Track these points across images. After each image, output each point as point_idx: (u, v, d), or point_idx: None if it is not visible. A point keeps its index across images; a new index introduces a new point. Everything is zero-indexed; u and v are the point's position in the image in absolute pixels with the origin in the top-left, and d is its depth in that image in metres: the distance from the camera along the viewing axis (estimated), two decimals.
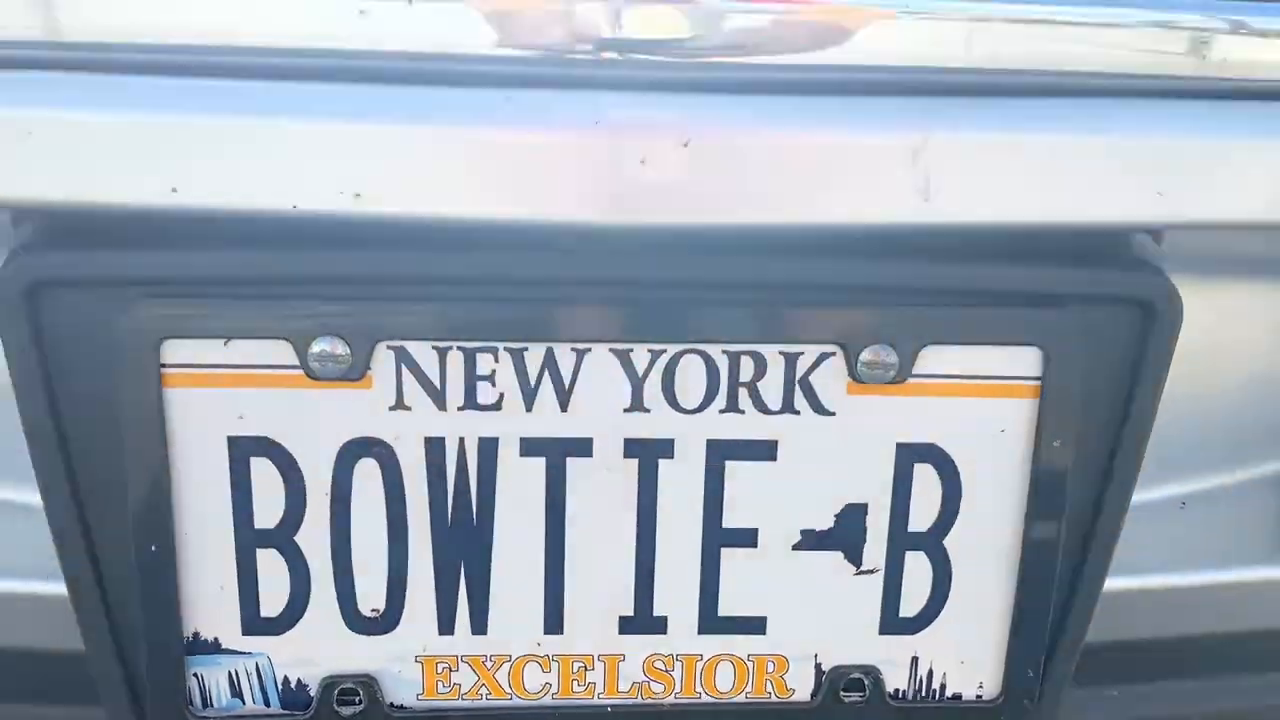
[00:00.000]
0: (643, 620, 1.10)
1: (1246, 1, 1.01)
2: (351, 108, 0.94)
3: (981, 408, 1.06)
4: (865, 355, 1.03)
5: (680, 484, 1.06)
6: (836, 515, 1.08)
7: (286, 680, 1.10)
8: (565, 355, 1.02)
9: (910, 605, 1.11)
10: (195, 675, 1.09)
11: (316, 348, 0.99)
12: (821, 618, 1.12)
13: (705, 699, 1.14)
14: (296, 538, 1.05)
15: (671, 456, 1.05)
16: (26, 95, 0.94)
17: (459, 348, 1.01)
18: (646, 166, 0.95)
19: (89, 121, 0.93)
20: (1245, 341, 1.23)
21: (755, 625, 1.12)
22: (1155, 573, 1.26)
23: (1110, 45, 1.01)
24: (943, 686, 1.15)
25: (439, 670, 1.11)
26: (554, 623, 1.10)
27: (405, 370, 1.01)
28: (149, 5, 0.94)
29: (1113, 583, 1.17)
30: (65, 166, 0.93)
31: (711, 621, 1.11)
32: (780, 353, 1.03)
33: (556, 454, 1.04)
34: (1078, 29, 1.01)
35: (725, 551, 1.08)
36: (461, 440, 1.03)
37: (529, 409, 1.03)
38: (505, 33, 0.95)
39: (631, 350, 1.02)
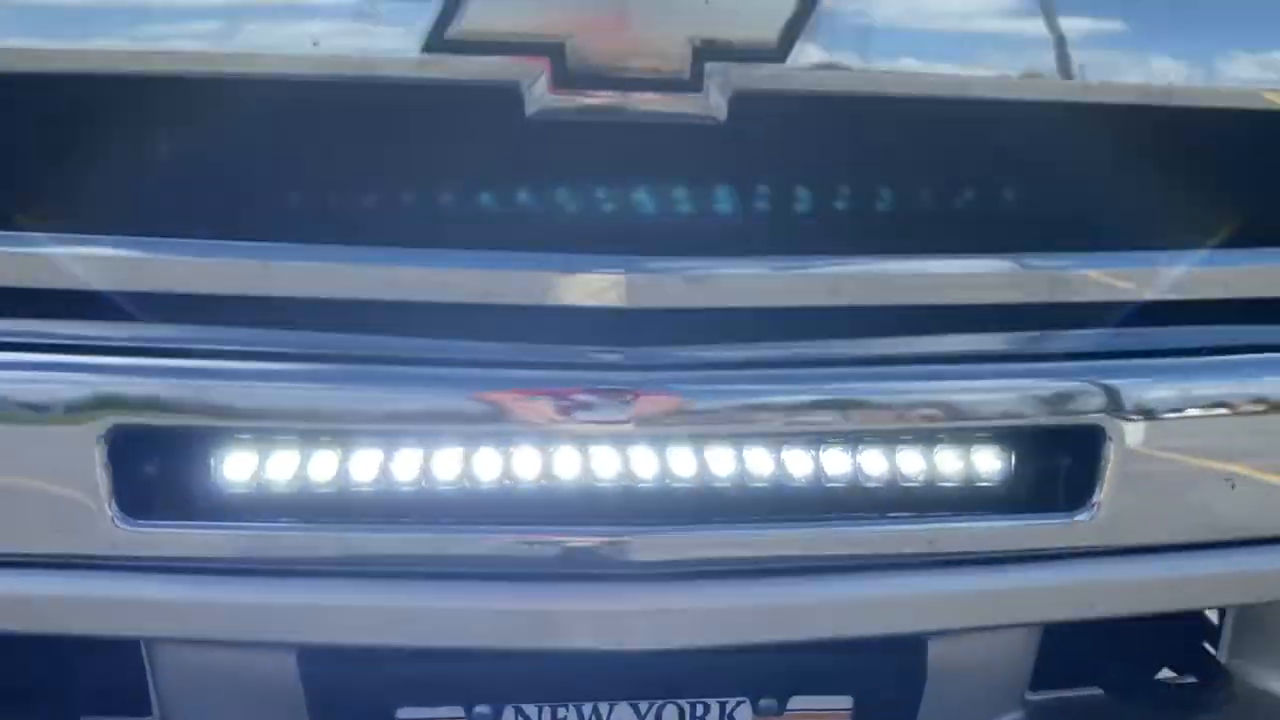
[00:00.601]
0: None
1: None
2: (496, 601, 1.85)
3: None
4: (760, 702, 1.95)
5: None
6: None
7: None
8: (603, 706, 1.93)
9: None
10: None
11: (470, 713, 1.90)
12: None
13: None
14: None
15: None
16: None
17: (536, 706, 1.92)
18: (650, 618, 1.87)
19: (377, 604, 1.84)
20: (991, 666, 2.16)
21: None
22: None
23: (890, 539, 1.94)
24: None
25: None
26: None
27: None
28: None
29: None
30: (351, 622, 1.84)
31: None
32: (718, 702, 1.95)
33: None
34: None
35: None
36: None
37: None
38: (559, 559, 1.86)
39: (638, 703, 1.94)
